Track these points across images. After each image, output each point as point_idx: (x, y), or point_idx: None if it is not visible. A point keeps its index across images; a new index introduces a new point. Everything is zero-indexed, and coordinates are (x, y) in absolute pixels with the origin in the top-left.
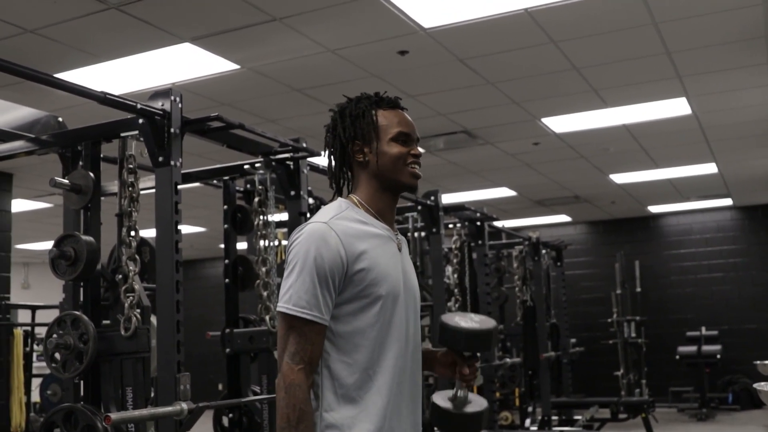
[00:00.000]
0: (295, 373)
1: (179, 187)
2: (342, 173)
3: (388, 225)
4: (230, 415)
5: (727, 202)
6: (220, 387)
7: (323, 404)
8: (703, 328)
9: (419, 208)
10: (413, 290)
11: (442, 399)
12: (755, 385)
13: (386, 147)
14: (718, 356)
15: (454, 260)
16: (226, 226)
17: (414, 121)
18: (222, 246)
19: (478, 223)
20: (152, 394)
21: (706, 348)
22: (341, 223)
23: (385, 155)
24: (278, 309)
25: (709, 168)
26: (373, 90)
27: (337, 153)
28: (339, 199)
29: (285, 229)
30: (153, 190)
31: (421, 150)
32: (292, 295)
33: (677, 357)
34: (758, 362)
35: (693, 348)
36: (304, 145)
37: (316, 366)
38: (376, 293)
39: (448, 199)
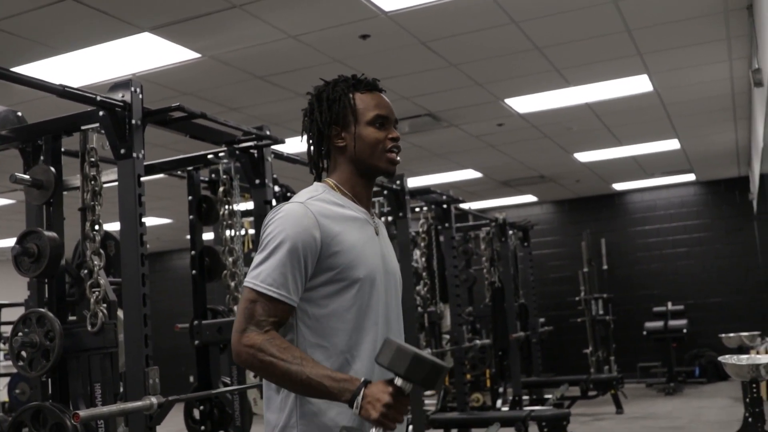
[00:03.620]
0: (263, 333)
1: (142, 179)
2: (320, 158)
3: (364, 208)
4: (201, 407)
5: (690, 177)
6: (191, 379)
7: None
8: (669, 303)
9: (385, 192)
10: (394, 274)
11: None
12: (720, 358)
13: (363, 131)
14: (685, 331)
15: (422, 244)
16: (191, 216)
17: None
18: (188, 237)
19: (445, 206)
20: (121, 390)
21: (672, 323)
22: (318, 205)
23: (363, 140)
24: (245, 283)
25: (672, 144)
26: (335, 75)
27: (315, 138)
28: (315, 183)
29: (251, 218)
30: (116, 183)
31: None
32: (261, 272)
33: (644, 333)
34: (723, 335)
35: (660, 323)
36: (268, 132)
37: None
38: (352, 276)
39: (413, 182)
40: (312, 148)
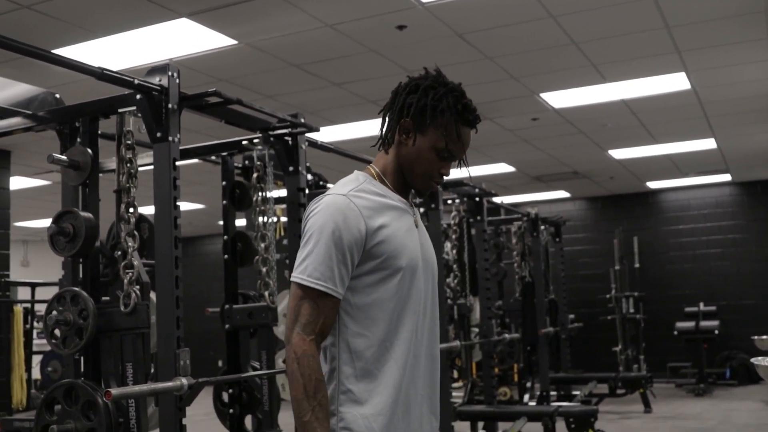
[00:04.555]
0: (308, 343)
1: (177, 163)
2: (387, 133)
3: (404, 198)
4: (230, 390)
5: (726, 177)
6: (220, 363)
7: (341, 377)
8: (701, 304)
9: None
10: (431, 263)
11: None
12: (753, 360)
13: (427, 152)
14: (716, 332)
15: (453, 236)
16: (224, 202)
17: None
18: (221, 222)
19: (477, 199)
20: (152, 370)
21: (704, 323)
22: (361, 195)
23: (418, 156)
24: (292, 279)
25: (708, 143)
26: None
27: (393, 115)
28: (356, 171)
29: (284, 205)
30: (151, 167)
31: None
32: (308, 266)
33: (675, 333)
34: (756, 337)
35: (691, 324)
36: (303, 120)
37: (325, 337)
38: (396, 265)
39: None
40: (388, 121)
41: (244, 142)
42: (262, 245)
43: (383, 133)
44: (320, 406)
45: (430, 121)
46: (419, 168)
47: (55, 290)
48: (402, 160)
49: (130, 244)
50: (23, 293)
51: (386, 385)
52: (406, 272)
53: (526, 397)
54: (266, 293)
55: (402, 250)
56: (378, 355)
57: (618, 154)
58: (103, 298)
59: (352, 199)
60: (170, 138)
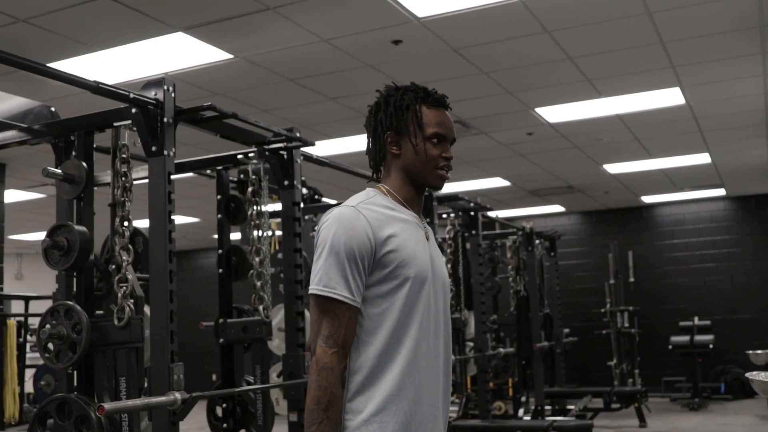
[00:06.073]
0: (329, 356)
1: (172, 177)
2: (379, 158)
3: (415, 213)
4: (224, 405)
5: (720, 192)
6: (214, 377)
7: (348, 386)
8: (696, 318)
9: None
10: (442, 277)
11: None
12: (747, 375)
13: (420, 145)
14: (711, 346)
15: (448, 250)
16: (219, 216)
17: None
18: (215, 236)
19: (472, 213)
20: (146, 384)
21: (698, 338)
22: (369, 208)
23: (418, 153)
24: (310, 291)
25: (703, 158)
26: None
27: (375, 138)
28: (367, 188)
29: (279, 219)
30: (146, 180)
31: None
32: (322, 277)
33: (670, 347)
34: (750, 352)
35: (686, 338)
36: (298, 134)
37: (348, 349)
38: (404, 275)
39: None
40: (372, 146)
41: (239, 156)
42: (257, 259)
43: (375, 161)
44: (329, 420)
45: (405, 120)
46: (423, 162)
47: (48, 304)
48: (406, 168)
49: (124, 257)
50: (17, 307)
51: (393, 395)
52: (414, 282)
53: (521, 411)
54: (261, 307)
55: (411, 259)
56: (385, 364)
57: (613, 168)
58: (97, 312)
59: (361, 211)
60: (165, 152)
